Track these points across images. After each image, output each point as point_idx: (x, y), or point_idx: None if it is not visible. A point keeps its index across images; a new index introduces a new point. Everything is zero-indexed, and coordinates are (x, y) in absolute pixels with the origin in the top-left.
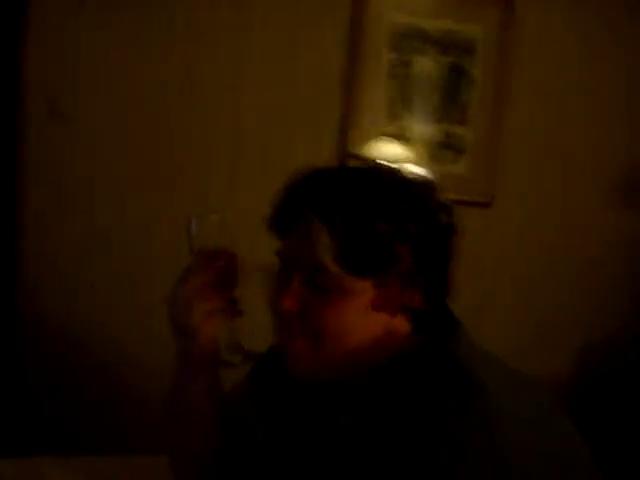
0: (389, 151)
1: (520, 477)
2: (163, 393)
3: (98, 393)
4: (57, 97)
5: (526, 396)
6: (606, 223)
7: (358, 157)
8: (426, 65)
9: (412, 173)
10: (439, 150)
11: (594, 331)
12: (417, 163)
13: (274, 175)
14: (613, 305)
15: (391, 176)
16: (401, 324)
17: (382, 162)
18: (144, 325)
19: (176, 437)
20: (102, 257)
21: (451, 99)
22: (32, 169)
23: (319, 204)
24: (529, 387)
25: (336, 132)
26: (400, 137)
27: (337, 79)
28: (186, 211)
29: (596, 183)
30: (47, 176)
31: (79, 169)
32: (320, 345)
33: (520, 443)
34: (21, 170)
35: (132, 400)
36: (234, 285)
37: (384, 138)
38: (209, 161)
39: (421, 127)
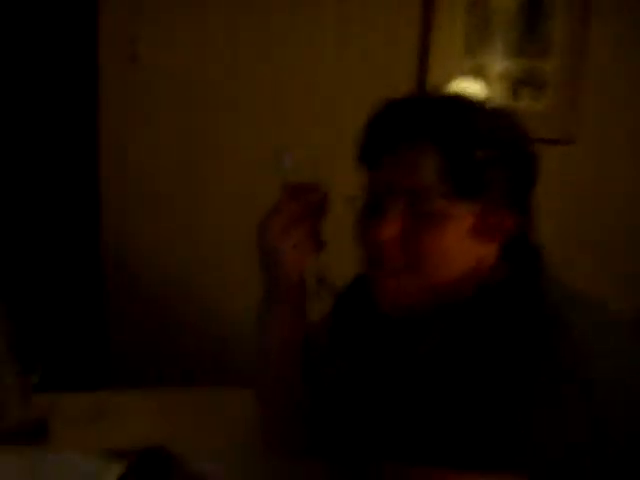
0: (467, 88)
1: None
2: (245, 328)
3: (181, 329)
4: (135, 42)
5: (612, 333)
6: None
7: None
8: None
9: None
10: (519, 86)
11: None
12: (496, 100)
13: (351, 113)
14: None
15: (482, 104)
16: (490, 254)
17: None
18: (228, 261)
19: (262, 368)
20: (184, 195)
21: (531, 32)
22: (111, 110)
23: (428, 127)
24: (615, 324)
25: (414, 69)
26: (478, 74)
27: (414, 15)
28: (266, 152)
29: None
30: (127, 117)
31: (157, 112)
32: (419, 273)
33: (606, 380)
34: (100, 112)
35: (212, 335)
36: (322, 219)
37: (462, 75)
38: (286, 104)
39: (500, 63)
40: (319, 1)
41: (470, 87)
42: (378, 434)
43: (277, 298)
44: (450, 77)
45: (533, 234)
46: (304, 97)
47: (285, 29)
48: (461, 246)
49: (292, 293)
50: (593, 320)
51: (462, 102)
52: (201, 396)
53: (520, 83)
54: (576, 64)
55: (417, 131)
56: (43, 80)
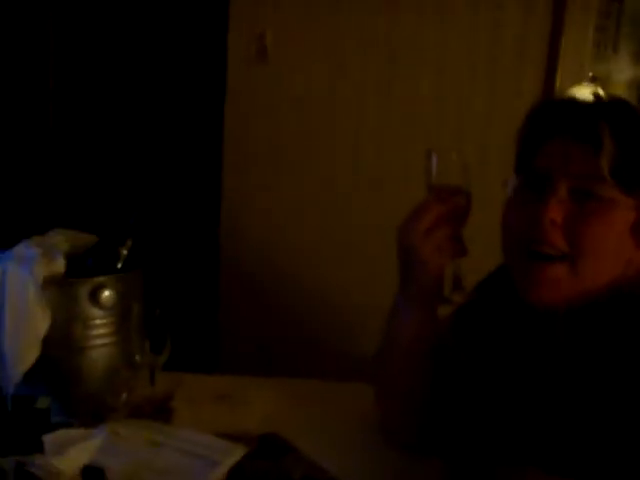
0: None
1: None
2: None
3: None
4: (263, 38)
5: None
6: None
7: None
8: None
9: None
10: None
11: None
12: None
13: (478, 118)
14: None
15: None
16: (638, 257)
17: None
18: (346, 256)
19: (388, 368)
20: (299, 194)
21: None
22: (236, 107)
23: (609, 115)
24: None
25: (542, 74)
26: (606, 80)
27: (544, 19)
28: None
29: None
30: (249, 115)
31: (279, 109)
32: (579, 266)
33: None
34: (227, 107)
35: (329, 328)
36: (465, 223)
37: (590, 81)
38: (413, 108)
39: (630, 70)
40: (449, 9)
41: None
42: (499, 435)
43: (413, 296)
44: (577, 83)
45: None
46: (433, 105)
47: (414, 34)
48: (620, 241)
49: (428, 293)
50: None
51: (628, 103)
52: (316, 387)
53: None
54: None
55: (598, 116)
56: (174, 75)
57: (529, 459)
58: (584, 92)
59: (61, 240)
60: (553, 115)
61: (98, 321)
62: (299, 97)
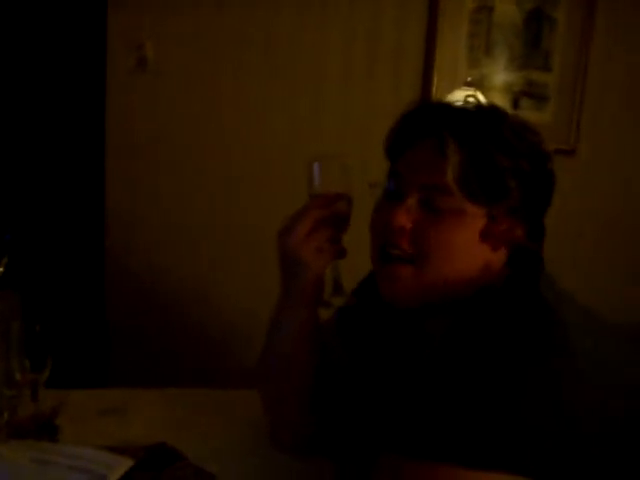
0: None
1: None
2: (247, 330)
3: (182, 330)
4: (144, 48)
5: (606, 339)
6: None
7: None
8: (508, 10)
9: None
10: (521, 98)
11: None
12: None
13: (357, 122)
14: None
15: (509, 115)
16: (498, 259)
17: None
18: (229, 263)
19: (271, 371)
20: (186, 202)
21: (533, 45)
22: (118, 118)
23: (453, 125)
24: (609, 331)
25: (418, 80)
26: (481, 84)
27: (419, 26)
28: (270, 161)
29: None
30: (132, 126)
31: (163, 118)
32: (423, 268)
33: (597, 388)
34: (108, 115)
35: (215, 336)
36: (346, 228)
37: (465, 86)
38: (293, 110)
39: (503, 74)
40: (326, 13)
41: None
42: (378, 427)
43: (294, 299)
44: (453, 88)
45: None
46: (312, 108)
47: (293, 40)
48: (469, 247)
49: (309, 295)
50: (586, 323)
51: (491, 110)
52: (205, 396)
53: (523, 94)
54: (576, 78)
55: (443, 128)
56: (51, 84)
57: (403, 448)
58: (461, 96)
59: None
60: (409, 125)
61: None
62: (179, 106)
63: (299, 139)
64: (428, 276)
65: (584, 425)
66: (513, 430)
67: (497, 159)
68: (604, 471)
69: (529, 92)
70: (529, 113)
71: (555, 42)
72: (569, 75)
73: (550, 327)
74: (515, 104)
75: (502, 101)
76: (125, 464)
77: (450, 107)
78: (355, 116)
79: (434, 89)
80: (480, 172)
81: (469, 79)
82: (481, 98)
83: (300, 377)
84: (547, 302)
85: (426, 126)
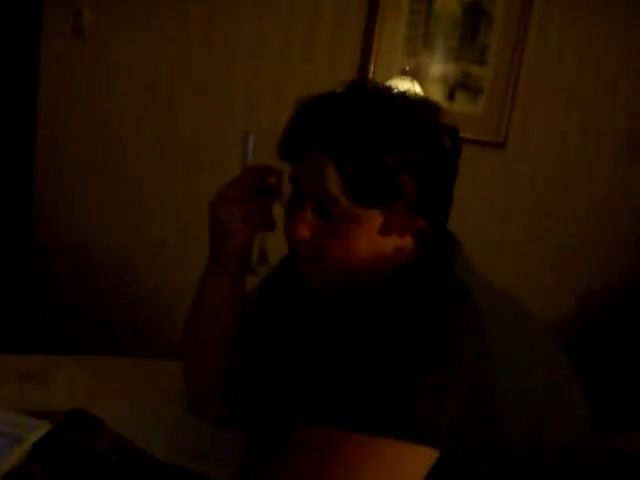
0: (406, 88)
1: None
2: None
3: (111, 299)
4: (81, 15)
5: (516, 317)
6: (616, 175)
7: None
8: (448, 3)
9: (417, 97)
10: (456, 89)
11: (595, 277)
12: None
13: (291, 105)
14: (615, 253)
15: (395, 103)
16: (408, 242)
17: (387, 86)
18: (157, 233)
19: (195, 340)
20: (115, 174)
21: (471, 39)
22: (52, 86)
23: (324, 139)
24: (520, 310)
25: (355, 66)
26: (418, 74)
27: (358, 14)
28: (204, 135)
29: (610, 135)
30: (65, 95)
31: (97, 88)
32: (328, 268)
33: (511, 354)
34: (41, 86)
35: (141, 306)
36: (275, 200)
37: (402, 76)
38: (229, 88)
39: (439, 66)
40: (262, 8)
41: (409, 87)
42: (290, 398)
43: (221, 266)
44: (390, 76)
45: (446, 224)
46: (248, 87)
47: (232, 18)
48: (371, 245)
49: (236, 263)
50: (498, 299)
51: (369, 103)
52: (128, 365)
53: (458, 86)
54: (510, 74)
55: (316, 143)
56: None
57: (301, 414)
58: (397, 84)
59: None
60: (295, 133)
61: None
62: (115, 75)
63: (234, 117)
64: (338, 272)
65: (489, 398)
66: (410, 397)
67: (381, 158)
68: (511, 444)
69: (464, 84)
70: (464, 105)
71: (492, 37)
72: (503, 70)
73: (459, 300)
74: (451, 96)
75: (438, 92)
76: (43, 428)
77: (328, 109)
78: (290, 98)
79: (371, 76)
80: (364, 176)
81: (407, 68)
82: (417, 88)
83: (222, 347)
84: (459, 278)
85: (306, 135)
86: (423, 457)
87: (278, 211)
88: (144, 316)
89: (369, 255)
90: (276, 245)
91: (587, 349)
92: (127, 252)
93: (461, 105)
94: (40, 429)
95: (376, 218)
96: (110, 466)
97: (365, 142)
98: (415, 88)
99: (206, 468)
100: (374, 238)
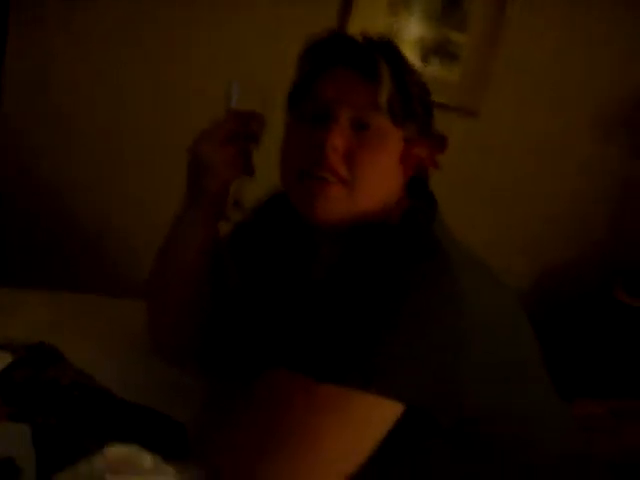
0: None
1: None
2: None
3: (75, 234)
4: None
5: (489, 282)
6: (587, 152)
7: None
8: None
9: None
10: (433, 53)
11: (554, 256)
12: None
13: (275, 57)
14: (580, 231)
15: None
16: (400, 188)
17: None
18: (131, 167)
19: (165, 281)
20: (84, 119)
21: (452, 3)
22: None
23: (385, 50)
24: (490, 272)
25: (334, 25)
26: (396, 35)
27: None
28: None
29: (582, 110)
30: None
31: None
32: (355, 190)
33: (481, 313)
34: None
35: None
36: (257, 145)
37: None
38: (215, 33)
39: (419, 29)
40: None
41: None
42: (262, 345)
43: (196, 207)
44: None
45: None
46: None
47: None
48: (392, 170)
49: (212, 206)
50: (471, 261)
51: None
52: (92, 302)
53: (436, 51)
54: (489, 40)
55: (375, 50)
56: None
57: (276, 362)
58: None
59: None
60: (333, 46)
61: None
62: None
63: (218, 62)
64: (359, 197)
65: (459, 359)
66: (379, 352)
67: (410, 86)
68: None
69: (441, 49)
70: (438, 69)
71: (473, 3)
72: (483, 37)
73: (435, 259)
74: (425, 59)
75: (412, 54)
76: (4, 360)
77: (368, 37)
78: (268, 50)
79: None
80: (400, 94)
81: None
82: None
83: (191, 290)
84: (437, 239)
85: (353, 49)
86: (388, 410)
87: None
88: (109, 252)
89: (388, 185)
90: (250, 194)
91: (545, 323)
92: (98, 183)
93: (435, 69)
94: (1, 361)
95: (400, 141)
96: (73, 400)
97: (404, 68)
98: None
99: (168, 409)
100: (395, 164)
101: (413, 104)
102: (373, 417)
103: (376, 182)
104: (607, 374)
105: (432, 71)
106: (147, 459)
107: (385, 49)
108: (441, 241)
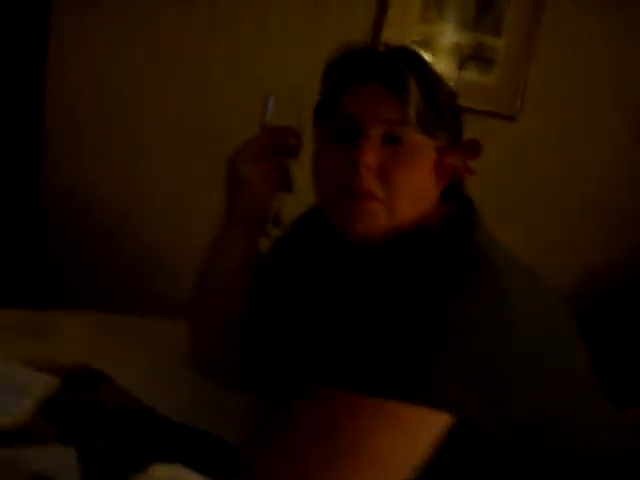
0: None
1: (526, 355)
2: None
3: (117, 255)
4: None
5: (536, 289)
6: (628, 152)
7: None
8: None
9: None
10: (469, 59)
11: (599, 256)
12: (446, 71)
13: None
14: (621, 233)
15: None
16: (436, 196)
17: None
18: (166, 192)
19: (205, 297)
20: (124, 128)
21: (486, 8)
22: (62, 41)
23: (407, 60)
24: (536, 278)
25: (368, 34)
26: (430, 44)
27: None
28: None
29: (624, 113)
30: (76, 49)
31: (106, 36)
32: (392, 204)
33: (528, 322)
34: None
35: (144, 263)
36: (293, 160)
37: (414, 43)
38: (236, 42)
39: (453, 35)
40: None
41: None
42: (305, 360)
43: (235, 225)
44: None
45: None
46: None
47: None
48: (427, 182)
49: (251, 224)
50: (516, 268)
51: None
52: (134, 323)
53: (471, 56)
54: (525, 44)
55: (402, 63)
56: None
57: (322, 378)
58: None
59: None
60: (358, 60)
61: None
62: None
63: (241, 72)
64: (398, 213)
65: (505, 369)
66: (427, 363)
67: (438, 93)
68: (533, 410)
69: (477, 55)
70: (475, 76)
71: (508, 7)
72: (518, 41)
73: (480, 267)
74: (461, 66)
75: (449, 62)
76: (51, 383)
77: (390, 48)
78: (305, 62)
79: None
80: (429, 105)
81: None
82: (427, 56)
83: (233, 307)
84: (480, 246)
85: (379, 62)
86: (438, 423)
87: (296, 174)
88: (149, 273)
89: (424, 198)
90: (290, 209)
91: (590, 327)
92: (132, 209)
93: (472, 75)
94: (48, 384)
95: (432, 152)
96: (120, 423)
97: (429, 76)
98: (426, 56)
99: (215, 428)
100: (429, 175)
101: (442, 113)
102: (424, 430)
103: (412, 196)
104: None
105: (469, 77)
106: (193, 479)
107: (409, 59)
108: (484, 247)
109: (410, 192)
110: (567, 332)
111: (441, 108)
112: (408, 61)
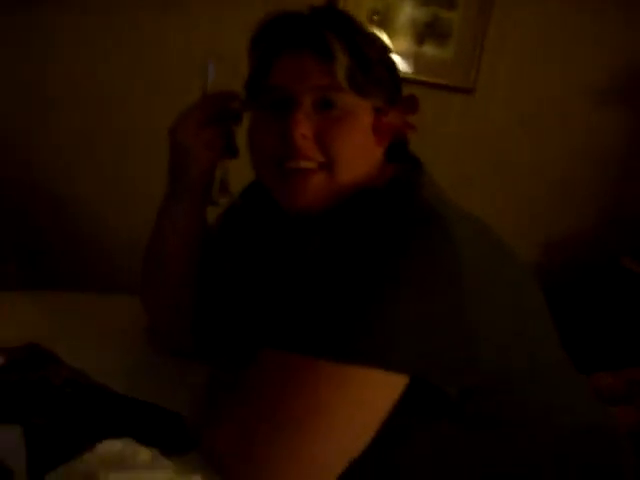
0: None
1: (477, 301)
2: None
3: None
4: None
5: (485, 236)
6: (587, 120)
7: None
8: None
9: None
10: (424, 33)
11: (559, 226)
12: (402, 44)
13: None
14: (581, 204)
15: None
16: (379, 157)
17: None
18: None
19: (155, 271)
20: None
21: None
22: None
23: (336, 25)
24: (488, 231)
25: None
26: (387, 17)
27: None
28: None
29: (580, 78)
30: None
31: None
32: (335, 173)
33: (478, 273)
34: None
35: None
36: (237, 126)
37: (369, 24)
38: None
39: (408, 8)
40: None
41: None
42: (254, 327)
43: (181, 195)
44: (358, 16)
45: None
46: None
47: None
48: (366, 143)
49: (197, 192)
50: (466, 220)
51: (342, 11)
52: (79, 300)
53: (426, 30)
54: (480, 16)
55: (325, 27)
56: None
57: (271, 342)
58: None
59: None
60: (282, 30)
61: None
62: None
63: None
64: (340, 178)
65: (460, 328)
66: (373, 324)
67: (368, 52)
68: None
69: (433, 28)
70: (432, 49)
71: None
72: (473, 13)
73: (426, 220)
74: (421, 40)
75: (406, 35)
76: None
77: (314, 12)
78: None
79: None
80: (360, 66)
81: (374, 17)
82: (384, 37)
83: (183, 279)
84: (427, 200)
85: (302, 29)
86: (390, 384)
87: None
88: (101, 250)
89: (366, 160)
90: (237, 176)
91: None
92: (88, 182)
93: (430, 49)
94: None
95: (368, 113)
96: (65, 398)
97: (357, 37)
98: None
99: (167, 402)
100: (367, 137)
101: (375, 72)
102: (376, 391)
103: (353, 159)
104: (619, 344)
105: (427, 51)
106: (143, 453)
107: (335, 21)
108: (430, 202)
109: (350, 155)
110: (525, 288)
111: (374, 67)
112: (333, 24)
